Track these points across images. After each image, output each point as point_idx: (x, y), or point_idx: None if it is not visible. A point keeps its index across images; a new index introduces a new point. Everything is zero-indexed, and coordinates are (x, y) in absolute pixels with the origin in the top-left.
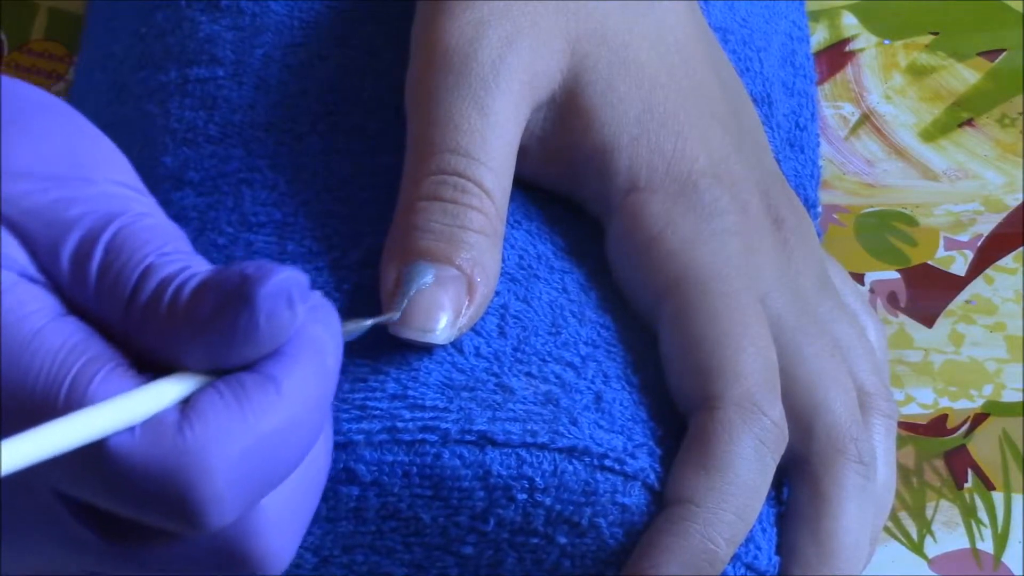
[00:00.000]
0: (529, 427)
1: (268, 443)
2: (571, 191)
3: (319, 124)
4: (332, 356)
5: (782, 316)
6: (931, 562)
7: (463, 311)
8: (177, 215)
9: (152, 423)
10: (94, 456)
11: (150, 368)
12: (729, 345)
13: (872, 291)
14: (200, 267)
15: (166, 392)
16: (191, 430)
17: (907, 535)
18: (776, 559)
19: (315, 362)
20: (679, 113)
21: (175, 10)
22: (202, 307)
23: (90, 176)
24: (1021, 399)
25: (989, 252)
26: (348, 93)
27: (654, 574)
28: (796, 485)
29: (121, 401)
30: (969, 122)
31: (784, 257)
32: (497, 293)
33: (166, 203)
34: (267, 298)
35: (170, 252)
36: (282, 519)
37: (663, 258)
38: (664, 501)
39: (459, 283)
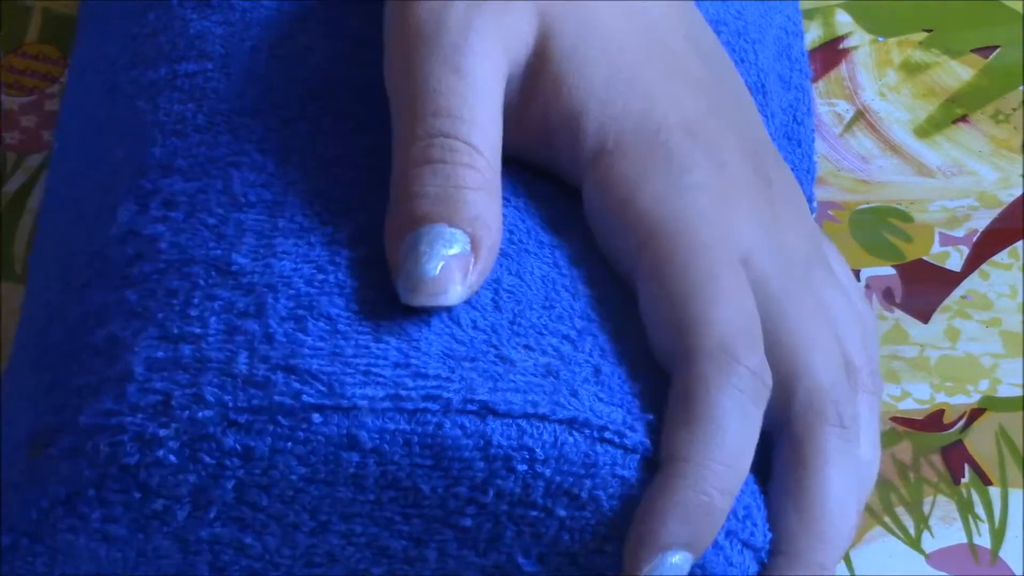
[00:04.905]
0: (530, 398)
1: None
2: (547, 161)
3: (306, 108)
4: None
5: (766, 275)
6: (928, 557)
7: (470, 267)
8: (167, 200)
9: None
10: None
11: None
12: (700, 297)
13: (868, 287)
14: None
15: None
16: None
17: (904, 530)
18: (770, 535)
19: None
20: (646, 75)
21: (166, 9)
22: None
23: None
24: (1017, 394)
25: (984, 248)
26: (336, 80)
27: (655, 536)
28: (778, 450)
29: None
30: (963, 118)
31: (770, 217)
32: None
33: (156, 190)
34: None
35: None
36: None
37: (635, 218)
38: (659, 464)
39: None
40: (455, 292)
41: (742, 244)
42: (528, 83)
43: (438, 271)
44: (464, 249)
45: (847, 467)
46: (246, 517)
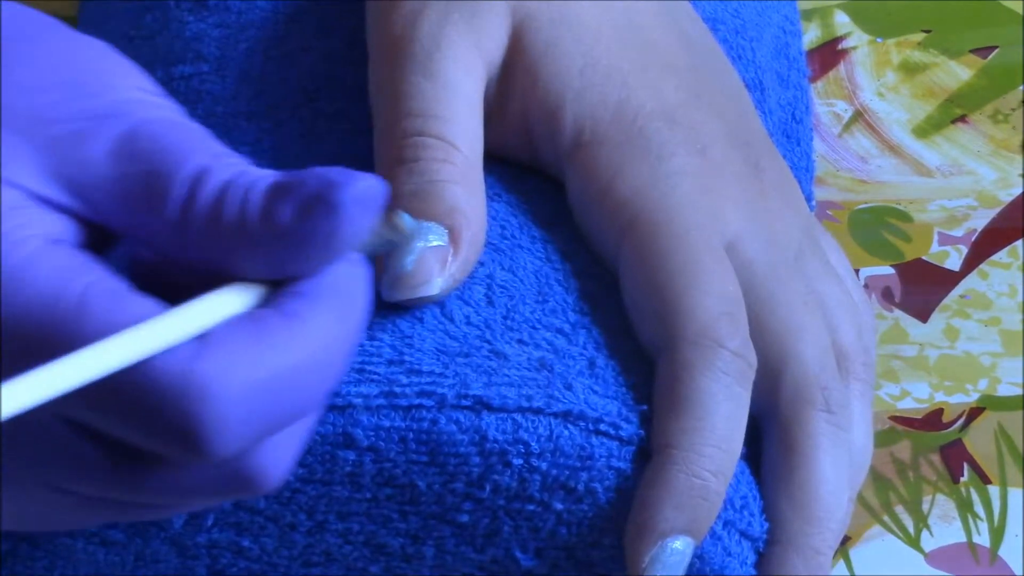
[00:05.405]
0: (524, 392)
1: (284, 378)
2: (531, 156)
3: (300, 110)
4: (360, 294)
5: (754, 262)
6: (928, 556)
7: (449, 258)
8: None
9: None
10: (104, 382)
11: (190, 278)
12: (679, 285)
13: (867, 286)
14: (255, 170)
15: (220, 305)
16: (205, 354)
17: (903, 529)
18: (766, 525)
19: (344, 299)
20: (623, 65)
21: (164, 11)
22: (281, 213)
23: (112, 84)
24: (1016, 393)
25: (983, 247)
26: (330, 81)
27: (653, 524)
28: (767, 437)
29: (170, 317)
30: (962, 118)
31: (759, 205)
32: (482, 263)
33: None
34: (353, 204)
35: (220, 154)
36: (286, 447)
37: (615, 207)
38: (650, 453)
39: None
40: (436, 284)
41: (728, 230)
42: (506, 80)
43: (415, 264)
44: (442, 241)
45: (837, 452)
46: (243, 521)
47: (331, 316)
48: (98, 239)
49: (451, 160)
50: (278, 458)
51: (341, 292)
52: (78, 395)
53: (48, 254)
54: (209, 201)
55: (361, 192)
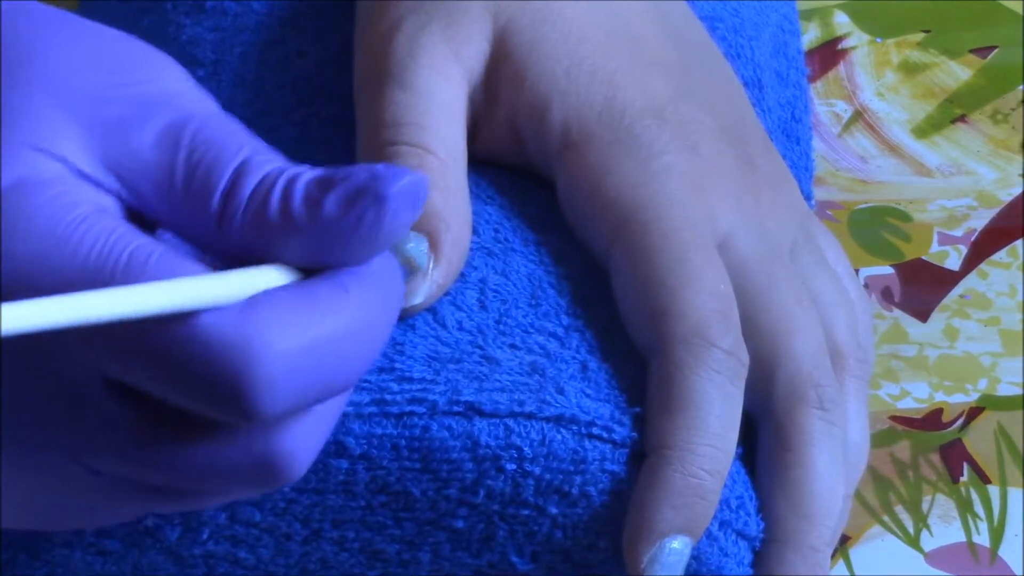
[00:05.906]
0: (516, 397)
1: (329, 345)
2: (522, 159)
3: (294, 115)
4: (399, 283)
5: (746, 259)
6: (927, 556)
7: (430, 266)
8: None
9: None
10: (152, 330)
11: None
12: (670, 284)
13: (866, 286)
14: (295, 164)
15: (267, 277)
16: (255, 314)
17: (903, 529)
18: (763, 524)
19: (385, 282)
20: (609, 63)
21: (161, 14)
22: (326, 203)
23: (157, 74)
24: (1016, 393)
25: (983, 247)
26: (324, 87)
27: (651, 525)
28: (762, 436)
29: (220, 278)
30: (962, 118)
31: (752, 201)
32: (475, 267)
33: None
34: (398, 197)
35: (260, 148)
36: (312, 433)
37: (605, 207)
38: (644, 455)
39: None
40: (419, 293)
41: (720, 228)
42: (492, 84)
43: None
44: (423, 249)
45: (831, 449)
46: (239, 534)
47: (374, 293)
48: (136, 225)
49: (425, 165)
50: (304, 444)
51: (381, 274)
52: (125, 343)
53: (97, 218)
54: (251, 192)
55: (407, 187)
